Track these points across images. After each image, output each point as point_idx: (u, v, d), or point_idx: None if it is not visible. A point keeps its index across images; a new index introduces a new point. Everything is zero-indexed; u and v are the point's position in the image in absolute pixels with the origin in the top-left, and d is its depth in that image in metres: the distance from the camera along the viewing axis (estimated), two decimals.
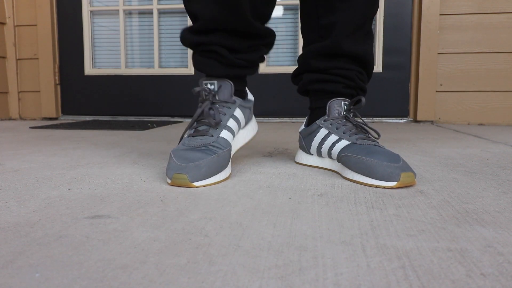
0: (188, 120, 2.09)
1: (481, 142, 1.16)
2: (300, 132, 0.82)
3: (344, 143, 0.70)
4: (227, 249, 0.37)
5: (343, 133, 0.71)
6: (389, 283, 0.31)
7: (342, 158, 0.68)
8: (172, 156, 0.63)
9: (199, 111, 0.69)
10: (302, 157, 0.81)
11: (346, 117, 0.74)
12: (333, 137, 0.73)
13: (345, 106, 0.75)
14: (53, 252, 0.37)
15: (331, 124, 0.74)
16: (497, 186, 0.62)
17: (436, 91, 1.94)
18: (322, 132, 0.75)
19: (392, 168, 0.60)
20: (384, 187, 0.60)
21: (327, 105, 0.75)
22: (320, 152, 0.75)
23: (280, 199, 0.54)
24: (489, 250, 0.37)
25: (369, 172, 0.62)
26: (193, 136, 0.67)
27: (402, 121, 2.01)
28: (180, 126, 1.74)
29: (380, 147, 0.67)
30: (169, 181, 0.62)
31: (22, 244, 0.39)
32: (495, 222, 0.45)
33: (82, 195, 0.57)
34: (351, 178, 0.65)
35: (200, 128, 0.69)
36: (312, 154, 0.78)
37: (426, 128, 1.67)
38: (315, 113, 0.79)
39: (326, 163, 0.76)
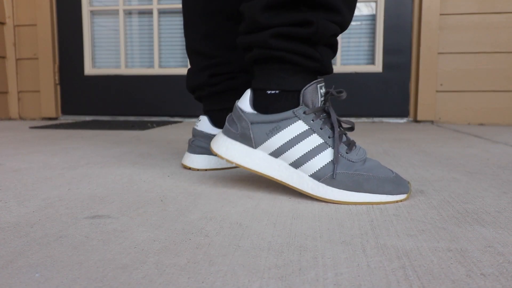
0: (188, 120, 2.09)
1: (481, 142, 1.16)
2: (243, 115, 0.56)
3: (329, 153, 0.54)
4: (227, 249, 0.37)
5: (328, 137, 0.54)
6: (389, 283, 0.31)
7: (337, 176, 0.53)
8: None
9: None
10: (235, 150, 0.57)
11: (325, 110, 0.56)
12: (315, 140, 0.54)
13: (322, 93, 0.56)
14: (53, 252, 0.37)
15: (312, 120, 0.54)
16: (497, 186, 0.62)
17: (436, 91, 1.94)
18: (298, 127, 0.54)
19: (398, 178, 0.54)
20: (396, 201, 0.53)
21: (302, 92, 0.55)
22: (281, 153, 0.55)
23: (280, 199, 0.54)
24: (489, 250, 0.37)
25: (377, 189, 0.52)
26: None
27: (402, 121, 2.01)
28: (180, 126, 1.74)
29: (370, 159, 0.57)
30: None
31: (22, 244, 0.39)
32: (495, 222, 0.45)
33: (82, 195, 0.57)
34: (347, 199, 0.52)
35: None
36: (256, 149, 0.56)
37: (426, 128, 1.67)
38: (280, 97, 0.56)
39: (277, 169, 0.55)
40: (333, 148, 0.54)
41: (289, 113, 0.54)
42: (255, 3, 0.55)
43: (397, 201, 0.53)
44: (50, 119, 2.21)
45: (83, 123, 1.88)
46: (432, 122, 1.95)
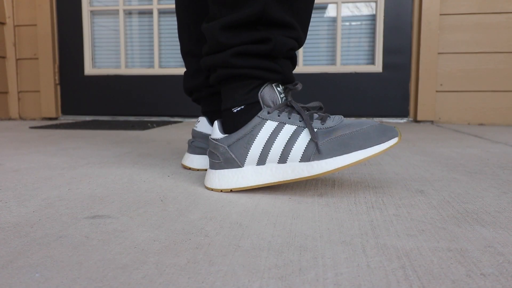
0: (188, 120, 2.09)
1: (481, 142, 1.16)
2: (218, 142, 0.58)
3: (306, 134, 0.54)
4: (227, 249, 0.37)
5: (299, 121, 0.55)
6: (389, 283, 0.31)
7: (322, 146, 0.53)
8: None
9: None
10: (226, 177, 0.57)
11: (287, 104, 0.57)
12: (288, 129, 0.55)
13: (279, 90, 0.58)
14: (53, 252, 0.37)
15: (279, 115, 0.56)
16: (497, 186, 0.62)
17: (436, 91, 1.94)
18: (269, 126, 0.56)
19: (382, 125, 0.55)
20: (391, 147, 0.53)
21: (259, 95, 0.57)
22: (266, 156, 0.56)
23: (280, 199, 0.54)
24: (489, 250, 0.37)
25: (365, 143, 0.52)
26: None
27: (402, 121, 2.01)
28: (180, 126, 1.74)
29: (345, 119, 0.57)
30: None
31: (22, 244, 0.39)
32: (495, 222, 0.45)
33: (82, 195, 0.57)
34: (342, 164, 0.52)
35: None
36: (243, 166, 0.57)
37: (426, 128, 1.67)
38: (245, 111, 0.58)
39: (270, 173, 0.56)
40: (306, 127, 0.55)
41: (255, 119, 0.56)
42: (214, 24, 0.57)
43: (391, 146, 0.53)
44: (50, 119, 2.21)
45: (83, 123, 1.88)
46: (432, 122, 1.95)
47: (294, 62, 0.62)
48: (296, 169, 0.54)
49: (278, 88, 0.58)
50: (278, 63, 0.58)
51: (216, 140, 0.58)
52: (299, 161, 0.54)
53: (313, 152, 0.53)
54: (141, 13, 2.18)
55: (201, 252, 0.37)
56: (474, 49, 1.90)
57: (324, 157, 0.53)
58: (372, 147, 0.52)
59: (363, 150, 0.52)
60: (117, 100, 2.19)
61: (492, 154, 0.93)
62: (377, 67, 2.00)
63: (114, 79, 2.19)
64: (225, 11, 0.56)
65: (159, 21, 2.16)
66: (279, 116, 0.56)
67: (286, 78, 0.59)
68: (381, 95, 2.01)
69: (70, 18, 2.19)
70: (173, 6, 2.12)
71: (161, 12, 2.16)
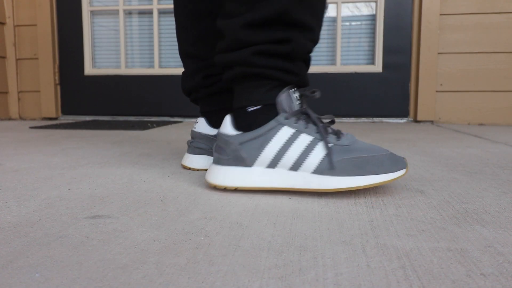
0: (188, 120, 2.09)
1: (481, 142, 1.16)
2: (229, 139, 0.57)
3: (321, 147, 0.55)
4: (227, 249, 0.37)
5: (316, 132, 0.56)
6: (389, 283, 0.31)
7: (337, 164, 0.54)
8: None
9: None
10: (232, 174, 0.57)
11: (303, 112, 0.57)
12: (305, 139, 0.55)
13: (296, 97, 0.58)
14: (53, 252, 0.37)
15: (295, 123, 0.56)
16: (497, 186, 0.62)
17: (436, 91, 1.94)
18: (285, 132, 0.56)
19: (393, 155, 0.56)
20: (398, 177, 0.55)
21: (277, 99, 0.57)
22: (278, 161, 0.56)
23: (280, 199, 0.54)
24: (489, 250, 0.37)
25: (378, 169, 0.54)
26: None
27: (402, 121, 2.01)
28: (180, 126, 1.74)
29: (360, 142, 0.58)
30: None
31: (22, 244, 0.39)
32: (495, 222, 0.45)
33: (82, 195, 0.57)
34: (353, 184, 0.54)
35: None
36: (252, 167, 0.57)
37: (426, 128, 1.67)
38: (261, 112, 0.58)
39: (279, 178, 0.56)
40: (323, 141, 0.55)
41: (272, 122, 0.56)
42: (235, 21, 0.56)
43: (399, 177, 0.55)
44: (50, 119, 2.21)
45: (83, 123, 1.88)
46: (432, 122, 1.95)
47: (308, 64, 0.62)
48: (307, 179, 0.55)
49: (295, 95, 0.57)
50: (295, 65, 0.58)
51: (228, 136, 0.57)
52: (311, 173, 0.55)
53: (327, 167, 0.54)
54: (141, 13, 2.18)
55: (201, 252, 0.37)
56: (474, 49, 1.90)
57: (337, 174, 0.54)
58: (383, 175, 0.54)
59: (375, 176, 0.54)
60: (117, 100, 2.19)
61: (492, 154, 0.93)
62: (377, 67, 2.00)
63: (114, 79, 2.19)
64: (245, 8, 0.56)
65: (159, 21, 2.16)
66: (296, 123, 0.56)
67: (301, 81, 0.60)
68: (381, 95, 2.01)
69: (70, 18, 2.19)
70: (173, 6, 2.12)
71: (161, 12, 2.16)
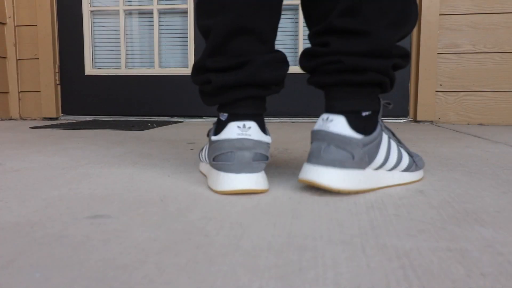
0: (188, 120, 2.10)
1: (481, 142, 1.16)
2: (353, 138, 0.56)
3: (403, 150, 0.64)
4: (227, 249, 0.37)
5: (393, 136, 0.65)
6: (389, 283, 0.31)
7: (408, 167, 0.63)
8: None
9: None
10: (354, 177, 0.56)
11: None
12: (393, 144, 0.62)
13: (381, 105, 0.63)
14: (53, 252, 0.37)
15: (385, 128, 0.62)
16: (497, 186, 0.62)
17: (436, 91, 1.94)
18: (385, 138, 0.61)
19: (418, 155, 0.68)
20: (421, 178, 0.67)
21: (381, 108, 0.61)
22: (384, 163, 0.60)
23: (280, 199, 0.54)
24: (489, 250, 0.37)
25: (416, 167, 0.65)
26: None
27: (402, 121, 2.01)
28: (180, 126, 1.74)
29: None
30: None
31: (22, 244, 0.39)
32: (495, 222, 0.45)
33: (82, 195, 0.57)
34: (402, 181, 0.63)
35: None
36: (365, 169, 0.58)
37: (426, 128, 1.67)
38: (370, 117, 0.59)
39: (383, 177, 0.61)
40: (398, 144, 0.65)
41: (379, 128, 0.60)
42: (392, 34, 0.58)
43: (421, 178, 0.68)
44: (51, 119, 2.21)
45: (83, 123, 1.88)
46: (431, 122, 1.95)
47: None
48: (401, 176, 0.63)
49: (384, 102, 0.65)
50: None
51: (349, 137, 0.56)
52: (402, 171, 0.63)
53: (413, 166, 0.65)
54: (141, 13, 2.18)
55: (201, 252, 0.37)
56: (474, 49, 1.90)
57: (418, 169, 0.66)
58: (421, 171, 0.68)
59: (421, 170, 0.68)
60: (117, 100, 2.19)
61: (492, 154, 0.93)
62: None
63: (114, 79, 2.19)
64: (400, 23, 0.60)
65: (159, 21, 2.16)
66: (385, 129, 0.62)
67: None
68: (381, 95, 2.01)
69: (70, 18, 2.19)
70: (173, 6, 2.12)
71: (161, 12, 2.16)
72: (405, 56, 0.61)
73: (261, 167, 0.59)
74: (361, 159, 0.57)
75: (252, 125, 0.58)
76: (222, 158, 0.58)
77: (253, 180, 0.57)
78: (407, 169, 0.63)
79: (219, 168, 0.58)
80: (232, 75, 0.58)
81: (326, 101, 0.61)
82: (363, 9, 0.57)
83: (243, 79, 0.58)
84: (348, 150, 0.56)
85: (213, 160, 0.59)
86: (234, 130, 0.58)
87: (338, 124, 0.57)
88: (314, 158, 0.57)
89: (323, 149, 0.56)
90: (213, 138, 0.59)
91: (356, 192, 0.57)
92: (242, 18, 0.58)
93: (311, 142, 0.60)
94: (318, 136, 0.58)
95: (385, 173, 0.61)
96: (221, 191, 0.57)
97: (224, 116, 0.61)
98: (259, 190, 0.57)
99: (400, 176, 0.63)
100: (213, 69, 0.60)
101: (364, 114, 0.59)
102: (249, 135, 0.57)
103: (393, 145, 0.62)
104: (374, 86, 0.60)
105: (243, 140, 0.57)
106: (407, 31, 0.61)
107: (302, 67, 0.64)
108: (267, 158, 0.59)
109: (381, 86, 0.60)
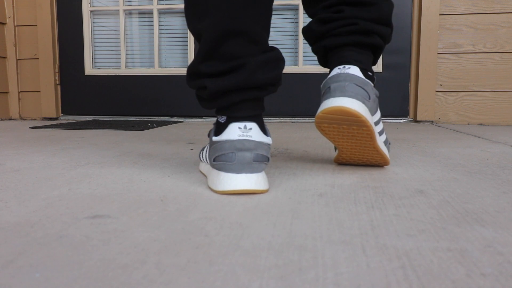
0: (188, 120, 2.10)
1: (481, 142, 1.16)
2: (369, 84, 0.67)
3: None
4: (227, 249, 0.37)
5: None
6: (389, 283, 0.31)
7: (386, 142, 0.74)
8: None
9: None
10: (372, 120, 0.68)
11: None
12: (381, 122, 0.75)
13: None
14: (53, 252, 0.37)
15: None
16: (497, 186, 0.62)
17: (436, 91, 1.94)
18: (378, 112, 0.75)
19: None
20: None
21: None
22: (376, 126, 0.72)
23: (280, 199, 0.54)
24: (489, 250, 0.37)
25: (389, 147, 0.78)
26: None
27: (402, 121, 2.01)
28: (180, 126, 1.74)
29: None
30: None
31: (22, 244, 0.39)
32: (495, 222, 0.45)
33: (82, 195, 0.57)
34: (382, 148, 0.72)
35: None
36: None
37: (426, 128, 1.67)
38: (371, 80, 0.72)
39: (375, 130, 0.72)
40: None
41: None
42: (390, 6, 0.71)
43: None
44: (51, 119, 2.21)
45: (83, 123, 1.88)
46: (431, 122, 1.95)
47: None
48: (384, 147, 0.73)
49: None
50: None
51: (369, 82, 0.67)
52: (385, 145, 0.74)
53: (388, 144, 0.74)
54: (141, 13, 2.18)
55: (201, 252, 0.37)
56: (474, 49, 1.90)
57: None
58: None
59: None
60: (117, 100, 2.19)
61: (492, 154, 0.93)
62: (377, 67, 2.00)
63: (114, 79, 2.19)
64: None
65: (159, 21, 2.16)
66: None
67: None
68: (381, 95, 2.01)
69: (70, 18, 2.19)
70: (173, 6, 2.12)
71: (161, 12, 2.16)
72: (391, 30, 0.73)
73: (262, 168, 0.59)
74: (374, 101, 0.67)
75: (253, 126, 0.58)
76: (223, 158, 0.58)
77: (253, 180, 0.57)
78: (386, 144, 0.73)
79: (220, 168, 0.58)
80: (226, 80, 0.58)
81: (336, 58, 0.70)
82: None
83: (238, 83, 0.58)
84: (366, 90, 0.65)
85: (214, 160, 0.59)
86: (235, 131, 0.58)
87: (355, 70, 0.66)
88: (339, 92, 0.64)
89: (347, 85, 0.64)
90: (214, 138, 0.59)
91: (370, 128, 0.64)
92: (230, 20, 0.57)
93: (329, 86, 0.67)
94: (339, 78, 0.65)
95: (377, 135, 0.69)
96: (221, 191, 0.57)
97: (222, 119, 0.61)
98: (259, 190, 0.57)
99: (382, 145, 0.71)
100: (207, 74, 0.59)
101: (369, 73, 0.68)
102: (250, 136, 0.58)
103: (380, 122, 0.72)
104: (374, 51, 0.71)
105: (244, 141, 0.57)
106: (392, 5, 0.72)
107: (311, 31, 0.72)
108: (268, 159, 0.60)
109: (376, 53, 0.71)
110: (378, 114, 0.71)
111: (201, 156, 0.73)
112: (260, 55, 0.59)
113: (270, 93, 0.64)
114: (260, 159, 0.58)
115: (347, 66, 0.66)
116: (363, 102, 0.63)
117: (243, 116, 0.59)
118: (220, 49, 0.58)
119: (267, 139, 0.59)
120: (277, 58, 0.61)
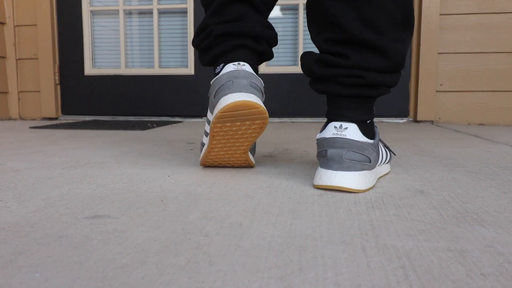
0: (188, 120, 2.10)
1: (481, 142, 1.16)
2: (371, 146, 0.62)
3: (381, 144, 0.75)
4: (227, 249, 0.37)
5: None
6: (389, 283, 0.31)
7: (387, 158, 0.74)
8: None
9: None
10: (369, 177, 0.62)
11: None
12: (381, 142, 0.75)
13: None
14: (53, 252, 0.37)
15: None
16: (497, 186, 0.62)
17: (436, 91, 1.94)
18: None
19: None
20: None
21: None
22: (381, 162, 0.71)
23: (280, 199, 0.54)
24: (489, 250, 0.37)
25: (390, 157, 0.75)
26: None
27: (402, 121, 2.01)
28: (180, 126, 1.74)
29: None
30: None
31: (22, 244, 0.39)
32: (495, 222, 0.45)
33: (82, 195, 0.57)
34: (385, 171, 0.71)
35: None
36: (372, 169, 0.65)
37: (426, 128, 1.67)
38: (371, 124, 0.66)
39: (376, 174, 0.69)
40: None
41: (376, 130, 0.66)
42: (403, 48, 0.61)
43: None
44: (50, 119, 2.21)
45: (83, 123, 1.88)
46: (432, 122, 1.95)
47: None
48: (386, 167, 0.72)
49: None
50: None
51: (369, 143, 0.61)
52: (387, 163, 0.71)
53: (389, 155, 0.73)
54: (141, 13, 2.18)
55: (201, 252, 0.37)
56: (474, 49, 1.90)
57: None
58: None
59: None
60: (117, 100, 2.19)
61: (492, 154, 0.93)
62: None
63: (114, 79, 2.19)
64: (407, 37, 0.64)
65: (159, 21, 2.16)
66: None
67: None
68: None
69: (70, 18, 2.19)
70: (173, 6, 2.12)
71: (161, 12, 2.16)
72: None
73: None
74: (375, 160, 0.62)
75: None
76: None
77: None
78: (386, 159, 0.71)
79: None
80: (230, 25, 0.69)
81: (333, 109, 0.64)
82: (376, 19, 0.59)
83: (242, 29, 0.68)
84: (366, 155, 0.60)
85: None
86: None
87: (353, 131, 0.60)
88: (335, 163, 0.59)
89: (344, 154, 0.59)
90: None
91: (370, 189, 0.61)
92: None
93: (325, 149, 0.60)
94: (335, 143, 0.59)
95: (379, 167, 0.67)
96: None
97: (219, 68, 0.68)
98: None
99: (385, 168, 0.71)
100: (214, 23, 0.70)
101: (368, 122, 0.64)
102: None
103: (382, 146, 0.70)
104: (374, 99, 0.65)
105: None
106: (410, 41, 0.63)
107: (311, 72, 0.64)
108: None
109: (375, 98, 0.66)
110: (381, 157, 0.67)
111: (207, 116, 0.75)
112: (260, 18, 0.71)
113: (265, 52, 0.72)
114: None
115: (344, 125, 0.60)
116: (362, 170, 0.59)
117: (238, 59, 0.68)
118: (227, 8, 0.70)
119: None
120: (272, 28, 0.73)
